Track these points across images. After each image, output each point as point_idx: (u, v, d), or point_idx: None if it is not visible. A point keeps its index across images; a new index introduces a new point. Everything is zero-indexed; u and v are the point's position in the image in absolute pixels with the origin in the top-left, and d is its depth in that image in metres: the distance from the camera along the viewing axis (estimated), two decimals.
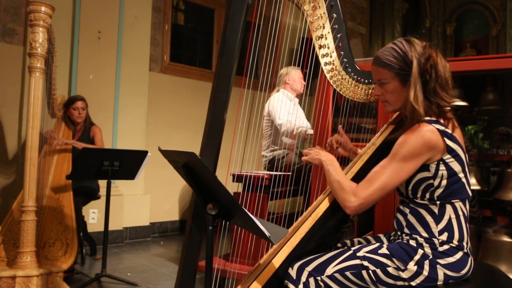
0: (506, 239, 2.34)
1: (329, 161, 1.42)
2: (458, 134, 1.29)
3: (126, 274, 3.00)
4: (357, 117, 1.92)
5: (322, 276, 1.26)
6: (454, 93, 2.64)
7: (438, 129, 1.23)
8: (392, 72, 1.31)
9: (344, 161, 1.81)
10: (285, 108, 3.10)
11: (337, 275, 1.26)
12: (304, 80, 3.33)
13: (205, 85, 4.85)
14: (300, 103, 3.44)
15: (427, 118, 1.27)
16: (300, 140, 3.14)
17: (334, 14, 1.61)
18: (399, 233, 1.34)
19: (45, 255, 2.50)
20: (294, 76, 3.27)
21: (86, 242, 3.37)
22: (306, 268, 1.28)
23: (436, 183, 1.25)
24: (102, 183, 3.15)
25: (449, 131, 1.26)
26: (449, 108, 1.29)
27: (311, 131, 3.02)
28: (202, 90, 4.80)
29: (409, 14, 7.33)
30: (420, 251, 1.24)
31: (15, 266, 2.26)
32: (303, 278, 1.27)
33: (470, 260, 1.27)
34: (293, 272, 1.29)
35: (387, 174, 1.25)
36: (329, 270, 1.27)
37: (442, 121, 1.28)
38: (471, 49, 7.08)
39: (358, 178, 1.41)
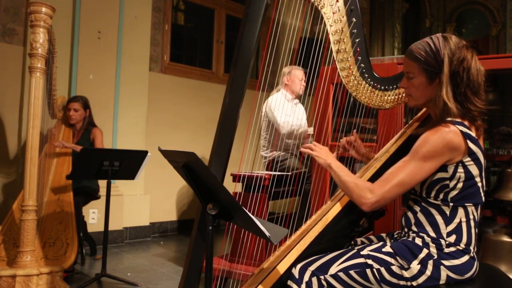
0: (506, 239, 2.34)
1: (335, 164, 1.39)
2: (480, 140, 1.27)
3: (126, 274, 3.00)
4: (358, 117, 1.92)
5: (325, 275, 1.25)
6: None
7: (461, 131, 1.21)
8: (420, 66, 1.29)
9: (349, 163, 1.81)
10: (283, 110, 3.09)
11: (341, 274, 1.25)
12: (305, 80, 3.32)
13: (205, 85, 4.86)
14: (302, 102, 3.44)
15: (452, 119, 1.25)
16: (301, 141, 3.14)
17: (354, 19, 1.58)
18: (406, 229, 1.33)
19: (45, 255, 2.50)
20: (294, 77, 3.25)
21: (86, 242, 3.37)
22: (309, 268, 1.27)
23: (452, 184, 1.24)
24: (102, 183, 3.15)
25: (473, 134, 1.23)
26: (479, 113, 1.26)
27: (311, 131, 3.02)
28: (202, 90, 4.81)
29: (409, 14, 7.32)
30: (425, 250, 1.23)
31: (15, 265, 2.26)
32: (306, 278, 1.26)
33: (476, 264, 1.26)
34: (295, 271, 1.28)
35: (406, 172, 1.23)
36: (333, 269, 1.26)
37: (468, 124, 1.25)
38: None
39: None
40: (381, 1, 6.93)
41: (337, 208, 1.43)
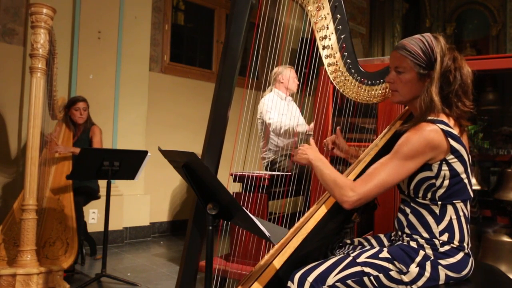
0: (506, 239, 2.34)
1: (318, 159, 1.40)
2: (464, 137, 1.27)
3: (126, 274, 3.00)
4: (358, 117, 1.92)
5: (323, 287, 1.24)
6: None
7: (442, 129, 1.22)
8: (413, 63, 1.29)
9: (339, 162, 1.81)
10: (276, 109, 3.09)
11: (338, 284, 1.24)
12: (304, 80, 3.32)
13: (205, 85, 4.86)
14: (296, 101, 3.44)
15: (434, 117, 1.25)
16: (293, 140, 3.13)
17: (338, 15, 1.61)
18: (399, 233, 1.33)
19: (46, 254, 2.51)
20: (287, 75, 3.26)
21: (86, 242, 3.38)
22: (308, 279, 1.26)
23: (438, 183, 1.24)
24: (102, 183, 3.15)
25: (454, 131, 1.24)
26: (466, 113, 1.27)
27: (302, 128, 3.01)
28: (202, 90, 4.81)
29: (409, 14, 7.32)
30: (422, 253, 1.23)
31: (16, 264, 2.27)
32: None
33: (471, 261, 1.26)
34: (294, 285, 1.26)
35: (387, 171, 1.24)
36: (330, 280, 1.25)
37: (452, 122, 1.26)
38: (471, 49, 7.08)
39: None
40: (381, 1, 6.93)
41: (329, 204, 1.43)
